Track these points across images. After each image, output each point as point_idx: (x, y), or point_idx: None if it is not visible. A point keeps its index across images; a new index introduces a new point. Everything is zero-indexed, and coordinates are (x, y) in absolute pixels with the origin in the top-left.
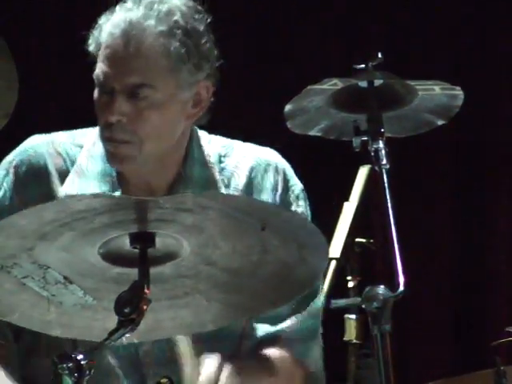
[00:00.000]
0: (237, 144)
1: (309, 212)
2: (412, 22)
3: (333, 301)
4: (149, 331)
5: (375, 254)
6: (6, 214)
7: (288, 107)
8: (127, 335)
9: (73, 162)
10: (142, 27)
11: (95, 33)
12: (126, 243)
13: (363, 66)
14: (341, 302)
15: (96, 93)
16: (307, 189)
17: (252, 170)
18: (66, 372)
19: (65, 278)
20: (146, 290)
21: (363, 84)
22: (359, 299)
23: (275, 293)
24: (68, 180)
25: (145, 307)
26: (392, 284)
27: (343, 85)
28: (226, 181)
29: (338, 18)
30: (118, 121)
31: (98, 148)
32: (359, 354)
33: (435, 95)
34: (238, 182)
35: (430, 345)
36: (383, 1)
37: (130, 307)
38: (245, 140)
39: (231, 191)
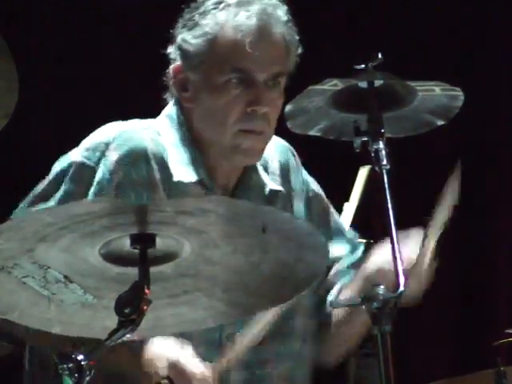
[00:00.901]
0: None
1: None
2: (412, 22)
3: (334, 301)
4: (149, 329)
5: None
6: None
7: (288, 107)
8: (127, 335)
9: (163, 149)
10: (275, 17)
11: (203, 29)
12: (126, 243)
13: (363, 66)
14: (341, 302)
15: (225, 87)
16: None
17: (280, 154)
18: (67, 372)
19: (65, 277)
20: (146, 291)
21: (363, 84)
22: (360, 299)
23: (275, 291)
24: (172, 168)
25: (145, 308)
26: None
27: (343, 85)
28: (264, 167)
29: (337, 18)
30: (262, 112)
31: (175, 135)
32: (359, 353)
33: (435, 96)
34: (274, 166)
35: (430, 345)
36: (383, 1)
37: (131, 308)
38: None
39: (270, 176)
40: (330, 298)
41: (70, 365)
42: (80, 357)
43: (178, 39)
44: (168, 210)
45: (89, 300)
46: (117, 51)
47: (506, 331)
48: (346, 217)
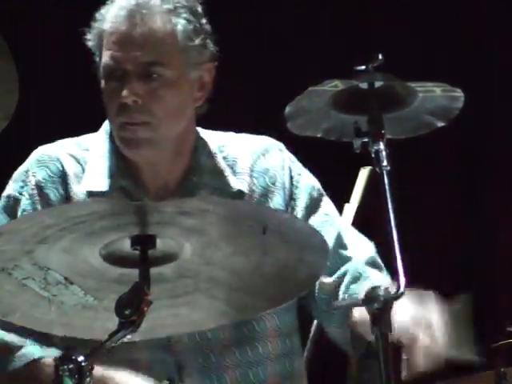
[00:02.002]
0: (232, 135)
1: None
2: (412, 22)
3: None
4: (150, 329)
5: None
6: None
7: (288, 108)
8: (128, 336)
9: (85, 163)
10: (148, 6)
11: (96, 24)
12: (126, 245)
13: (364, 67)
14: (342, 303)
15: (104, 81)
16: None
17: (254, 153)
18: (67, 374)
19: (65, 278)
20: (146, 292)
21: (364, 85)
22: (360, 300)
23: (276, 292)
24: (84, 179)
25: (145, 309)
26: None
27: (344, 86)
28: (231, 167)
29: (338, 18)
30: (134, 102)
31: (105, 147)
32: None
33: (435, 97)
34: (243, 166)
35: None
36: (384, 1)
37: (131, 309)
38: None
39: (237, 177)
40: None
41: (71, 366)
42: (80, 358)
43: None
44: (168, 210)
45: (89, 301)
46: None
47: (508, 329)
48: (346, 218)
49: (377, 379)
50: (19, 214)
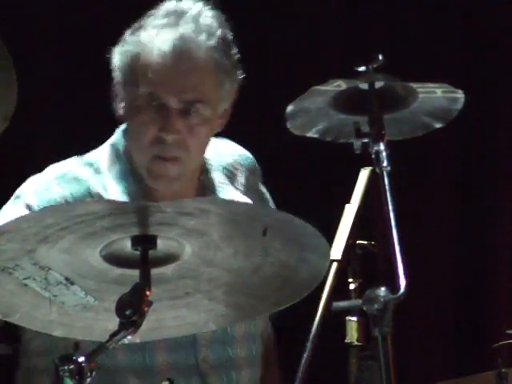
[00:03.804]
0: (216, 141)
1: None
2: (412, 22)
3: (334, 303)
4: (151, 331)
5: (376, 256)
6: None
7: (290, 108)
8: (129, 337)
9: (104, 188)
10: (194, 42)
11: (129, 48)
12: (127, 245)
13: (364, 67)
14: (342, 304)
15: (138, 110)
16: (308, 190)
17: (247, 167)
18: (67, 374)
19: (66, 278)
20: (147, 292)
21: (364, 86)
22: (360, 301)
23: (277, 294)
24: None
25: (146, 309)
26: (393, 286)
27: (347, 86)
28: (231, 180)
29: (338, 19)
30: (173, 138)
31: (118, 167)
32: (360, 356)
33: (435, 98)
34: (241, 181)
35: (431, 347)
36: (384, 1)
37: (131, 309)
38: (245, 142)
39: (239, 190)
40: None
41: (71, 366)
42: (81, 358)
43: (113, 52)
44: (169, 211)
45: (90, 302)
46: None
47: (507, 331)
48: (347, 219)
49: (377, 380)
50: None
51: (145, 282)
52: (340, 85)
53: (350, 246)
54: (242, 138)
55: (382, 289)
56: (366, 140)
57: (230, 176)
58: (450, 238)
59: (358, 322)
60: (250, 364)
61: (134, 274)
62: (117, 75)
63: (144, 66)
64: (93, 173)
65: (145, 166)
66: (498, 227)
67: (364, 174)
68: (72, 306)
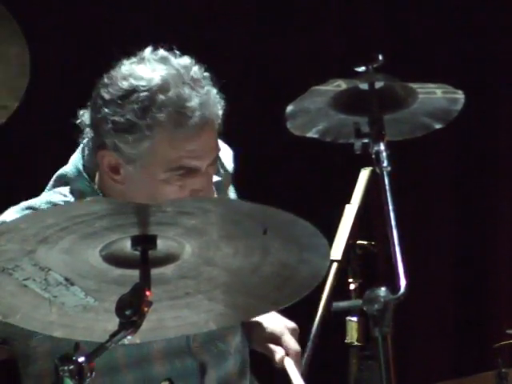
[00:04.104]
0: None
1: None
2: (412, 22)
3: (334, 303)
4: (151, 331)
5: (376, 257)
6: None
7: (290, 108)
8: (129, 337)
9: None
10: (214, 105)
11: (141, 128)
12: (127, 245)
13: (364, 68)
14: (342, 305)
15: (170, 179)
16: (308, 190)
17: (232, 168)
18: (67, 374)
19: (66, 279)
20: (147, 293)
21: (364, 86)
22: (360, 301)
23: (277, 293)
24: None
25: (146, 309)
26: (393, 286)
27: (347, 86)
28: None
29: (338, 19)
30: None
31: (77, 189)
32: (360, 356)
33: (435, 98)
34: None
35: (431, 347)
36: (384, 1)
37: (131, 309)
38: (245, 142)
39: (231, 189)
40: None
41: (71, 367)
42: (81, 359)
43: (112, 139)
44: (169, 210)
45: (90, 303)
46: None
47: (507, 331)
48: (347, 219)
49: (377, 380)
50: None
51: (145, 282)
52: (340, 85)
53: (350, 246)
54: (243, 138)
55: (382, 289)
56: (366, 140)
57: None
58: (450, 237)
59: (358, 322)
60: (237, 332)
61: (134, 274)
62: (124, 156)
63: (169, 145)
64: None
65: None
66: (498, 227)
67: (364, 175)
68: (72, 307)
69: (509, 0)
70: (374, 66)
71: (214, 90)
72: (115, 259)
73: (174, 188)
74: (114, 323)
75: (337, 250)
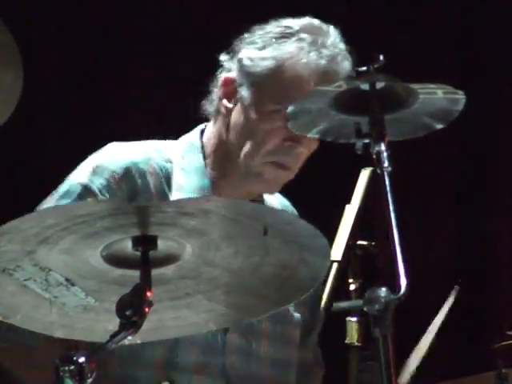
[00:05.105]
0: None
1: None
2: (412, 22)
3: (334, 303)
4: (151, 331)
5: (377, 257)
6: None
7: (290, 108)
8: (129, 337)
9: (168, 180)
10: (341, 66)
11: (272, 53)
12: (128, 245)
13: (365, 68)
14: (342, 305)
15: (270, 117)
16: (308, 191)
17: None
18: (68, 375)
19: (67, 279)
20: (147, 293)
21: (365, 86)
22: (361, 302)
23: (277, 294)
24: (172, 197)
25: (146, 310)
26: (394, 286)
27: (348, 86)
28: None
29: (338, 19)
30: (298, 151)
31: (188, 161)
32: (361, 356)
33: (436, 99)
34: None
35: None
36: (384, 1)
37: (132, 310)
38: None
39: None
40: None
41: (72, 367)
42: (81, 359)
43: (242, 53)
44: (169, 211)
45: (91, 303)
46: (125, 53)
47: (507, 333)
48: (347, 219)
49: (377, 380)
50: None
51: (145, 282)
52: (341, 85)
53: (350, 247)
54: None
55: (383, 289)
56: (366, 140)
57: None
58: (451, 238)
59: (358, 322)
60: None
61: (135, 274)
62: (246, 76)
63: (291, 77)
64: (162, 162)
65: (255, 169)
66: (498, 227)
67: (364, 175)
68: (72, 307)
69: (509, 0)
70: (375, 66)
71: (348, 62)
72: (116, 259)
73: (273, 127)
74: (114, 323)
75: (337, 251)
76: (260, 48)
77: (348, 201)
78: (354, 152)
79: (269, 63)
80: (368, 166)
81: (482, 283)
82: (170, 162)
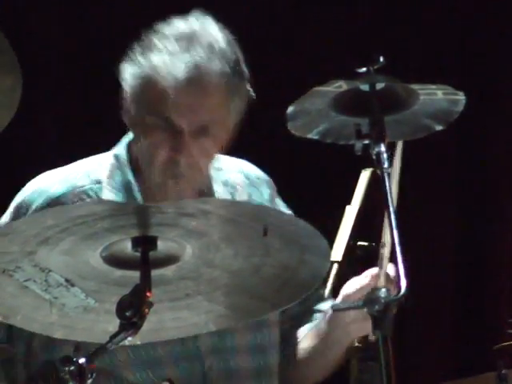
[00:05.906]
0: (221, 157)
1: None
2: (412, 22)
3: (334, 304)
4: (151, 332)
5: (377, 258)
6: None
7: (290, 109)
8: (129, 338)
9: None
10: (208, 69)
11: (140, 68)
12: (127, 246)
13: (365, 69)
14: (342, 305)
15: (151, 130)
16: (309, 191)
17: (249, 184)
18: (68, 376)
19: (66, 280)
20: (147, 294)
21: (365, 87)
22: (361, 302)
23: (277, 295)
24: None
25: (146, 310)
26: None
27: (348, 87)
28: (233, 196)
29: (338, 19)
30: (185, 161)
31: (117, 179)
32: (361, 357)
33: (436, 100)
34: (242, 197)
35: (431, 348)
36: (384, 1)
37: (132, 310)
38: (246, 143)
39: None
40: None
41: (72, 368)
42: (81, 360)
43: (122, 66)
44: (169, 211)
45: (91, 304)
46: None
47: (508, 331)
48: (347, 220)
49: (378, 381)
50: None
51: (145, 283)
52: (341, 86)
53: (350, 248)
54: (243, 140)
55: (383, 290)
56: (366, 141)
57: (232, 192)
58: (451, 238)
59: None
60: (258, 375)
61: (135, 275)
62: (128, 92)
63: (158, 90)
64: (91, 186)
65: (157, 183)
66: (499, 227)
67: (365, 176)
68: (72, 308)
69: (509, 0)
70: (375, 67)
71: (218, 61)
72: (116, 260)
73: (156, 141)
74: (114, 324)
75: (337, 251)
76: (133, 61)
77: (348, 202)
78: (354, 153)
79: (136, 78)
80: (368, 166)
81: (482, 283)
82: (99, 183)
